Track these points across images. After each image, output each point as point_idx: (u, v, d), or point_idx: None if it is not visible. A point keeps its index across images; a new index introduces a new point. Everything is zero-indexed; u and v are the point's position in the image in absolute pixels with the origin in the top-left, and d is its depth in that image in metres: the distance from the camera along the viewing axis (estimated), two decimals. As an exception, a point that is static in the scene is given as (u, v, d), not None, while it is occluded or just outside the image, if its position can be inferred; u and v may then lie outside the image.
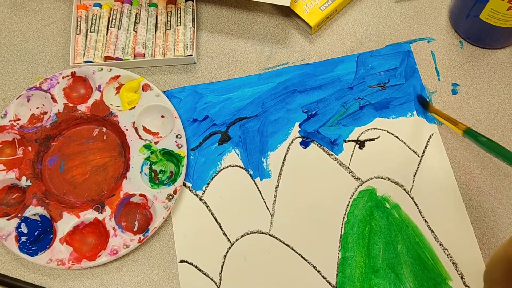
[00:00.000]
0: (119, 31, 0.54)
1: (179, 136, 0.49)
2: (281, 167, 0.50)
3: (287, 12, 0.56)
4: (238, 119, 0.52)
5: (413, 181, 0.48)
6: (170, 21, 0.55)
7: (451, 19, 0.55)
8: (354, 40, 0.55)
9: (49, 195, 0.48)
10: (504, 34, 0.50)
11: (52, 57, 0.55)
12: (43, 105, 0.52)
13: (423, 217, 0.47)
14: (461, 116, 0.51)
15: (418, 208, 0.47)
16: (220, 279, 0.46)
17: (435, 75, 0.53)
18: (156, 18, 0.55)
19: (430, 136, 0.50)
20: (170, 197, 0.47)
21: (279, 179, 0.49)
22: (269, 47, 0.55)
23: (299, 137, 0.51)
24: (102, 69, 0.52)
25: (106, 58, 0.54)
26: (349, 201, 0.48)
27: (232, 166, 0.50)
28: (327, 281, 0.46)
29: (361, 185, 0.49)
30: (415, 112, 0.51)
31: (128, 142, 0.49)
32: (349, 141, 0.50)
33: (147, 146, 0.49)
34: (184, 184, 0.49)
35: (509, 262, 0.29)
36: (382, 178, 0.49)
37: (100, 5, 0.56)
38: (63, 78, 0.52)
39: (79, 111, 0.50)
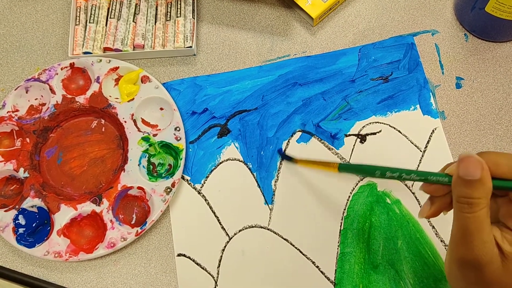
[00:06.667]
0: (119, 22, 0.53)
1: (178, 129, 0.49)
2: (280, 161, 0.49)
3: (288, 4, 0.55)
4: (238, 112, 0.51)
5: (415, 176, 0.48)
6: (170, 12, 0.54)
7: (456, 12, 0.54)
8: (357, 32, 0.54)
9: (47, 187, 0.48)
10: (510, 26, 0.49)
11: (51, 48, 0.55)
12: (42, 96, 0.51)
13: (424, 213, 0.46)
14: (465, 110, 0.50)
15: (419, 204, 0.47)
16: (218, 273, 0.46)
17: (439, 69, 0.52)
18: (156, 9, 0.54)
19: (433, 131, 0.49)
20: (168, 190, 0.47)
21: (278, 173, 0.49)
22: (270, 39, 0.54)
23: (299, 131, 0.50)
24: (101, 61, 0.51)
25: (105, 49, 0.53)
26: (349, 196, 0.47)
27: (231, 160, 0.49)
28: (325, 276, 0.45)
29: (361, 179, 0.48)
30: (418, 106, 0.50)
31: (126, 134, 0.49)
32: (350, 135, 0.50)
33: (146, 139, 0.49)
34: (183, 177, 0.49)
35: (458, 261, 0.31)
36: (383, 173, 0.48)
37: (99, -4, 0.55)
38: (61, 69, 0.51)
39: (78, 103, 0.50)
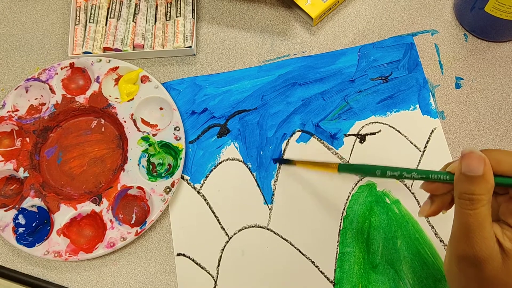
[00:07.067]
0: (119, 21, 0.53)
1: (177, 129, 0.49)
2: (279, 166, 0.49)
3: (288, 4, 0.55)
4: (238, 111, 0.51)
5: (414, 176, 0.48)
6: (170, 12, 0.54)
7: (455, 12, 0.54)
8: (356, 32, 0.54)
9: (47, 186, 0.48)
10: (509, 26, 0.49)
11: (51, 47, 0.55)
12: (42, 96, 0.51)
13: (423, 213, 0.46)
14: (464, 110, 0.50)
15: (418, 204, 0.47)
16: (217, 273, 0.46)
17: (438, 69, 0.52)
18: (156, 9, 0.54)
19: (433, 131, 0.49)
20: (168, 190, 0.47)
21: (278, 173, 0.49)
22: (270, 39, 0.54)
23: (299, 130, 0.50)
24: (100, 60, 0.51)
25: (105, 49, 0.53)
26: (349, 196, 0.47)
27: (231, 159, 0.49)
28: (325, 276, 0.45)
29: (361, 179, 0.48)
30: (417, 106, 0.50)
31: (126, 134, 0.49)
32: (349, 135, 0.50)
33: (145, 138, 0.49)
34: (182, 177, 0.49)
35: (458, 257, 0.31)
36: (382, 172, 0.48)
37: (99, -5, 0.55)
38: (61, 69, 0.51)
39: (78, 103, 0.50)
